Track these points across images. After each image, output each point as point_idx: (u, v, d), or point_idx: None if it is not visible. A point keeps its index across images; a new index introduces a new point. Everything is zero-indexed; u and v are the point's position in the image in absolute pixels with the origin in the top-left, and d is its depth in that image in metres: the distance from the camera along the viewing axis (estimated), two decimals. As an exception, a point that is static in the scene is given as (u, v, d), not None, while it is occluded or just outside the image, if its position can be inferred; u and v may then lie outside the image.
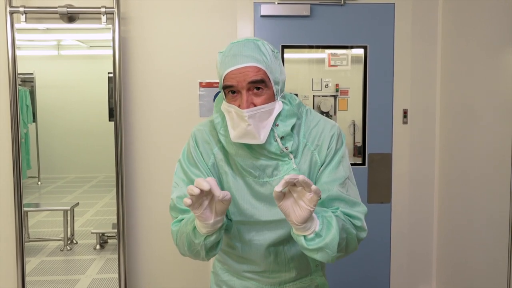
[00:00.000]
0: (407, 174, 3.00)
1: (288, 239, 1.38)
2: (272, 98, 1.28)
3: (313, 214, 1.16)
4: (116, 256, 2.76)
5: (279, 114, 1.30)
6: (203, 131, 1.41)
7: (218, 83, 2.79)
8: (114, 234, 2.78)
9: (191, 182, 1.34)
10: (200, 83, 2.85)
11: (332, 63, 2.98)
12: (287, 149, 1.31)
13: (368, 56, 2.94)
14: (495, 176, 2.23)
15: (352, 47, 2.96)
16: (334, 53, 2.97)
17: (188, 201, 1.09)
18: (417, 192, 3.01)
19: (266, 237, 1.38)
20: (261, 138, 1.26)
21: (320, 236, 1.16)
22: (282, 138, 1.30)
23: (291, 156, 1.32)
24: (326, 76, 2.99)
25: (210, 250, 1.26)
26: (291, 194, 1.14)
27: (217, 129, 1.35)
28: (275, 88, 1.28)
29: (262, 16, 2.85)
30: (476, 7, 2.45)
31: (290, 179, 1.07)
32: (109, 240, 3.15)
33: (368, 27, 2.92)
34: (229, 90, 1.27)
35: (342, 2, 2.86)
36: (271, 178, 1.34)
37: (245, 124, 1.24)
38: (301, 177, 1.07)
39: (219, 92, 1.36)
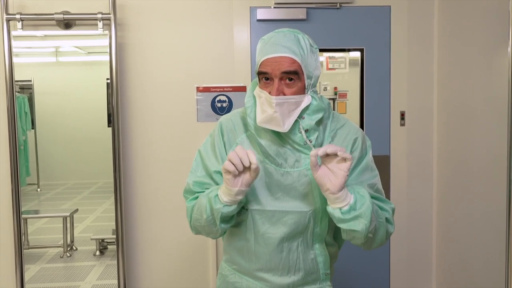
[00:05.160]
0: (405, 176, 2.99)
1: (301, 236, 1.41)
2: (302, 91, 1.35)
3: (347, 190, 1.25)
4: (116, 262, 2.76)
5: (307, 108, 1.36)
6: (229, 120, 1.48)
7: (215, 87, 2.86)
8: (114, 240, 2.78)
9: (206, 169, 1.44)
10: (197, 87, 2.85)
11: (330, 66, 2.98)
12: (310, 142, 1.36)
13: (365, 59, 2.94)
14: (492, 176, 2.23)
15: (349, 50, 2.96)
16: (332, 56, 2.97)
17: (231, 168, 1.22)
18: (416, 193, 3.00)
19: (280, 230, 1.39)
20: (285, 127, 1.32)
21: (355, 208, 1.25)
22: (306, 131, 1.36)
23: None
24: (324, 80, 2.99)
25: (225, 221, 1.35)
26: (324, 166, 1.24)
27: (247, 112, 1.41)
28: (307, 82, 1.35)
29: (259, 20, 2.85)
30: (471, 9, 2.45)
31: (332, 151, 1.20)
32: (109, 246, 3.15)
33: (364, 30, 2.92)
34: (263, 76, 1.34)
35: (338, 6, 2.87)
36: (293, 169, 1.38)
37: (272, 110, 1.31)
38: (339, 148, 1.20)
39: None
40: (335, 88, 3.01)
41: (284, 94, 1.31)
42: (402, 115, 2.96)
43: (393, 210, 1.45)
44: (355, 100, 2.99)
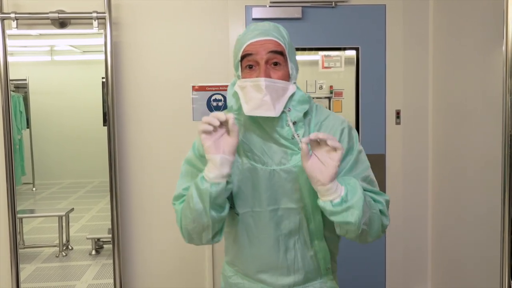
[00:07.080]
0: (401, 175, 3.00)
1: (297, 234, 1.38)
2: (287, 79, 1.31)
3: (337, 182, 1.20)
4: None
5: (292, 99, 1.31)
6: None
7: (211, 86, 2.84)
8: (110, 239, 2.77)
9: (199, 168, 1.36)
10: (193, 86, 2.85)
11: (325, 64, 2.98)
12: (298, 136, 1.31)
13: (360, 58, 2.94)
14: (487, 174, 2.24)
15: (344, 48, 2.96)
16: (328, 55, 2.97)
17: (206, 126, 1.17)
18: (411, 192, 3.01)
19: (272, 230, 1.37)
20: (276, 111, 1.26)
21: (346, 199, 1.18)
22: (294, 123, 1.31)
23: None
24: (320, 78, 2.99)
25: (215, 208, 1.24)
26: (315, 156, 1.19)
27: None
28: (291, 69, 1.32)
29: (254, 19, 2.85)
30: (466, 7, 2.46)
31: (323, 137, 1.15)
32: (104, 246, 3.13)
33: (359, 28, 2.93)
34: (247, 64, 1.29)
35: (333, 4, 2.87)
36: (279, 166, 1.34)
37: (261, 94, 1.25)
38: (330, 136, 1.16)
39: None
40: (331, 86, 3.01)
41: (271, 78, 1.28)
42: (398, 114, 2.96)
43: (388, 202, 1.39)
44: (350, 99, 2.99)
